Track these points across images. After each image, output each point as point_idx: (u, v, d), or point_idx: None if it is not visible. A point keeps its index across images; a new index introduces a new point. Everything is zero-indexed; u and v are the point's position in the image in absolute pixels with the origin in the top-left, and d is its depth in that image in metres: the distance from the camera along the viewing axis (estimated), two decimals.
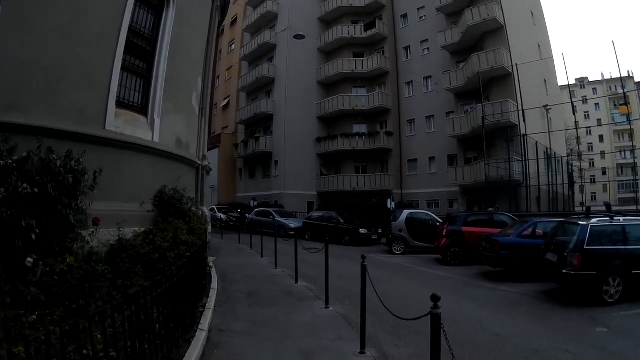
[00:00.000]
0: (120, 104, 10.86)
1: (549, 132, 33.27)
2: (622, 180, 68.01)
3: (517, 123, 30.25)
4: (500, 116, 29.09)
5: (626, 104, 32.82)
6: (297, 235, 12.85)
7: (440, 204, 36.94)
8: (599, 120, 77.64)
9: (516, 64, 30.53)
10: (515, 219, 17.63)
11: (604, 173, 72.50)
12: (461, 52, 35.74)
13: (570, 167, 42.50)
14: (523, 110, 29.68)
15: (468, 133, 32.76)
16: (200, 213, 15.67)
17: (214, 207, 38.64)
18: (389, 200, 27.34)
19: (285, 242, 24.06)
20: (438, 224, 20.51)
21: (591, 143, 77.61)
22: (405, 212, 21.42)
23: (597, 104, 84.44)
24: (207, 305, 8.77)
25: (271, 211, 31.04)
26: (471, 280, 13.55)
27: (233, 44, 53.81)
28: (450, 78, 35.40)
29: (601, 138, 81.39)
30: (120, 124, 10.56)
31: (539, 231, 13.77)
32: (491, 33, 32.97)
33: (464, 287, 12.46)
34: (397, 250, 20.48)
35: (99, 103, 10.00)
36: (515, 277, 13.31)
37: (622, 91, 71.67)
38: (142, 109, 12.05)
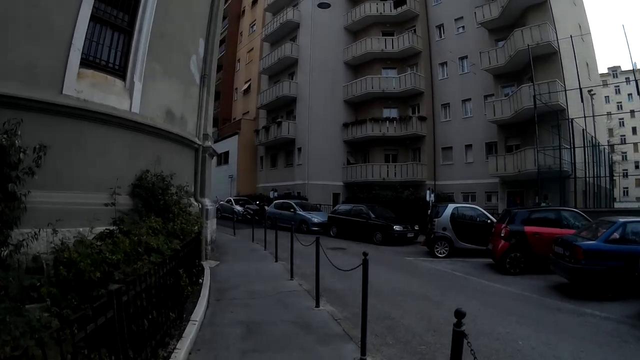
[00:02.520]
0: (87, 62, 8.73)
1: (593, 115, 30.09)
2: None
3: (565, 106, 27.04)
4: (548, 98, 25.79)
5: None
6: (318, 241, 9.46)
7: (477, 197, 33.95)
8: (632, 112, 74.20)
9: (571, 37, 27.33)
10: (585, 216, 14.58)
11: (637, 167, 69.29)
12: (500, 29, 32.76)
13: (610, 158, 39.19)
14: (579, 90, 26.43)
15: (510, 118, 29.79)
16: (197, 207, 13.12)
17: (231, 199, 36.68)
18: (427, 192, 24.09)
19: (307, 240, 21.44)
20: (489, 221, 17.59)
21: (624, 135, 73.86)
22: (450, 207, 18.22)
23: (629, 95, 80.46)
24: (172, 356, 5.60)
25: (292, 203, 28.11)
26: (544, 299, 10.46)
27: (254, 25, 51.40)
28: (489, 57, 32.18)
29: (634, 130, 78.12)
30: (85, 87, 8.49)
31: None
32: (534, 8, 29.87)
33: (540, 311, 9.39)
34: (441, 253, 17.32)
35: (55, 59, 7.84)
36: (597, 294, 10.42)
37: None
38: (119, 70, 9.72)
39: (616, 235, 10.66)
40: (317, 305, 8.83)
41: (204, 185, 14.50)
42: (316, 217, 25.98)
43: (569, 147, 25.70)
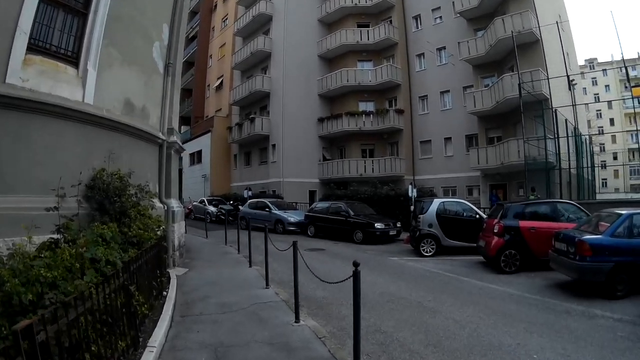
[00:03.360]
0: (35, 48, 7.84)
1: (575, 105, 29.26)
2: (637, 165, 65.70)
3: (549, 96, 26.11)
4: (531, 87, 24.81)
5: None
6: (295, 246, 8.00)
7: (458, 191, 33.23)
8: (609, 103, 74.90)
9: (557, 23, 26.60)
10: (582, 209, 13.55)
11: (615, 158, 69.52)
12: (479, 19, 31.88)
13: (592, 148, 38.54)
14: (567, 77, 25.77)
15: (491, 109, 28.88)
16: (162, 209, 11.90)
17: (204, 199, 35.38)
18: (410, 187, 22.84)
19: (283, 241, 20.18)
20: (477, 216, 16.44)
21: (602, 126, 73.80)
22: (436, 202, 16.91)
23: (607, 86, 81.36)
24: None
25: (267, 202, 26.72)
26: (548, 300, 9.30)
27: (226, 19, 49.86)
28: (468, 47, 31.21)
29: (612, 121, 78.43)
30: (33, 75, 7.59)
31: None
32: None
33: (547, 315, 8.25)
34: (427, 252, 16.03)
35: None
36: (604, 292, 9.42)
37: (632, 73, 71.41)
38: (72, 57, 8.73)
39: (622, 228, 9.63)
40: (297, 319, 7.47)
41: (170, 184, 13.24)
42: (292, 217, 24.68)
43: (552, 137, 24.79)
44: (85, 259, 5.66)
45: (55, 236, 6.62)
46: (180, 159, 48.92)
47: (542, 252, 11.72)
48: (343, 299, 8.98)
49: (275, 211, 25.49)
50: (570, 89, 26.62)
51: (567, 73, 26.28)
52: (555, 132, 24.49)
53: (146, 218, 9.08)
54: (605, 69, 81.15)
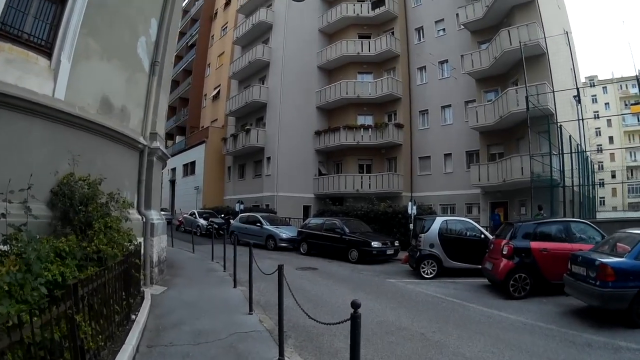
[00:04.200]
0: (4, 34, 7.25)
1: (583, 119, 28.37)
2: (635, 182, 65.55)
3: (554, 111, 25.16)
4: (537, 101, 23.82)
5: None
6: (281, 272, 6.68)
7: (457, 208, 32.16)
8: (608, 121, 76.28)
9: (566, 33, 25.86)
10: (596, 228, 12.40)
11: (613, 176, 69.19)
12: (484, 31, 31.09)
13: (593, 166, 37.72)
14: (576, 90, 24.89)
15: (494, 124, 27.94)
16: (140, 220, 10.88)
17: (195, 212, 34.17)
18: (410, 204, 21.70)
19: (274, 259, 19.09)
20: (482, 236, 15.30)
21: (600, 144, 73.29)
22: (438, 221, 15.68)
23: (607, 104, 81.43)
24: None
25: (258, 217, 25.50)
26: (566, 331, 8.20)
27: (226, 27, 49.18)
28: (472, 60, 30.38)
29: (611, 139, 78.13)
30: None
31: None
32: (521, 8, 28.13)
33: (568, 349, 7.12)
34: (428, 274, 14.77)
35: None
36: (625, 321, 8.45)
37: (633, 90, 71.40)
38: (46, 47, 8.05)
39: None
40: (281, 355, 6.24)
41: (150, 194, 12.13)
42: (285, 232, 23.47)
43: (557, 153, 23.82)
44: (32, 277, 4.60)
45: (2, 247, 5.51)
46: (173, 169, 48.98)
47: (555, 276, 10.75)
48: (336, 327, 7.91)
49: (267, 226, 24.33)
50: (579, 101, 25.72)
51: (576, 86, 25.27)
52: (560, 148, 23.56)
53: (114, 231, 7.97)
54: (605, 87, 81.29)
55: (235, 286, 11.81)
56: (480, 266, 13.52)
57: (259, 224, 24.68)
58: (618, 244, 9.44)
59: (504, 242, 11.92)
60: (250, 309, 9.07)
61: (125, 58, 10.48)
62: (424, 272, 14.82)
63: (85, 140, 8.66)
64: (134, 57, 11.01)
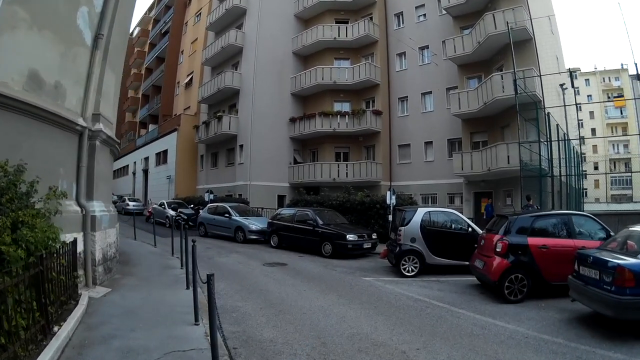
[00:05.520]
0: None
1: (577, 104, 27.34)
2: (618, 174, 65.27)
3: (542, 98, 23.93)
4: (524, 87, 22.50)
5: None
6: (211, 283, 5.14)
7: (439, 199, 30.90)
8: (591, 113, 75.61)
9: (549, 18, 24.63)
10: (598, 221, 10.92)
11: (596, 168, 69.03)
12: (467, 16, 29.75)
13: (579, 155, 36.73)
14: (569, 74, 24.48)
15: (477, 111, 26.70)
16: (79, 213, 9.49)
17: (164, 202, 32.33)
18: (388, 193, 20.11)
19: (242, 252, 17.56)
20: (470, 229, 13.80)
21: (583, 136, 73.12)
22: (421, 212, 14.01)
23: (589, 96, 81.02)
24: None
25: (227, 207, 23.78)
26: (576, 346, 6.83)
27: (200, 14, 47.52)
28: (454, 45, 29.01)
29: (593, 131, 77.67)
30: None
31: None
32: None
33: None
34: (409, 271, 13.21)
35: None
36: None
37: (615, 83, 71.39)
38: None
39: None
40: None
41: (92, 183, 10.46)
42: (255, 224, 21.85)
43: (546, 141, 22.59)
44: None
45: None
46: (146, 159, 47.63)
47: (555, 276, 9.53)
48: (298, 341, 6.45)
49: (236, 217, 22.70)
50: (572, 85, 24.73)
51: (569, 71, 24.12)
52: (548, 136, 22.34)
53: (26, 228, 6.41)
54: (588, 79, 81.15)
55: (187, 287, 10.14)
56: (467, 263, 12.10)
57: (227, 215, 23.08)
58: (629, 242, 8.12)
59: (498, 237, 10.39)
60: (196, 319, 7.52)
61: (60, 29, 9.03)
62: (404, 269, 13.24)
63: (6, 121, 7.31)
64: (73, 29, 9.51)
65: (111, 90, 12.02)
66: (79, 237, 9.30)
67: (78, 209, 9.72)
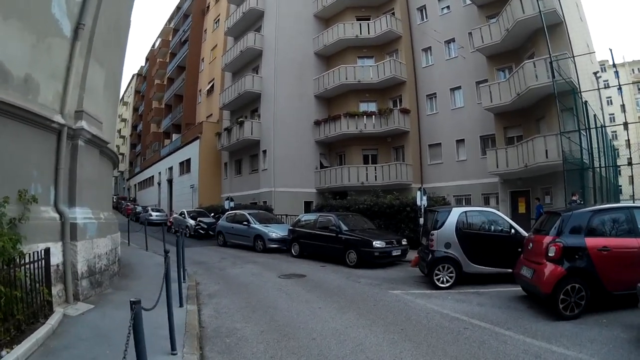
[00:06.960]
0: None
1: (617, 86, 25.54)
2: None
3: (578, 85, 22.16)
4: (560, 72, 20.81)
5: None
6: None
7: (473, 199, 29.23)
8: (622, 107, 72.29)
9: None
10: None
11: (629, 164, 66.69)
12: (492, 4, 28.02)
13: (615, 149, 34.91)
14: (610, 55, 22.08)
15: (510, 103, 25.03)
16: (56, 221, 8.46)
17: (184, 211, 31.47)
18: (418, 193, 18.47)
19: (260, 263, 16.22)
20: (512, 231, 12.04)
21: (615, 131, 70.54)
22: (456, 213, 12.21)
23: (619, 89, 78.41)
24: None
25: (246, 215, 22.53)
26: None
27: (218, 20, 47.10)
28: (481, 35, 27.39)
29: (625, 125, 74.98)
30: None
31: None
32: None
33: None
34: (443, 282, 11.49)
35: None
36: None
37: None
38: None
39: None
40: None
41: (75, 187, 9.22)
42: (275, 232, 20.52)
43: (585, 132, 20.93)
44: None
45: None
46: (170, 168, 47.20)
47: (618, 284, 7.94)
48: None
49: (255, 225, 21.47)
50: (613, 66, 23.02)
51: (610, 51, 22.50)
52: (587, 125, 20.66)
53: None
54: (617, 72, 79.18)
55: (181, 305, 8.84)
56: (510, 270, 10.39)
57: (246, 223, 21.90)
58: None
59: (549, 239, 8.58)
60: (173, 348, 6.09)
61: (32, 19, 8.02)
62: (438, 279, 11.52)
63: None
64: (47, 18, 8.46)
65: (99, 86, 10.86)
66: (56, 247, 8.34)
67: (55, 215, 8.56)
